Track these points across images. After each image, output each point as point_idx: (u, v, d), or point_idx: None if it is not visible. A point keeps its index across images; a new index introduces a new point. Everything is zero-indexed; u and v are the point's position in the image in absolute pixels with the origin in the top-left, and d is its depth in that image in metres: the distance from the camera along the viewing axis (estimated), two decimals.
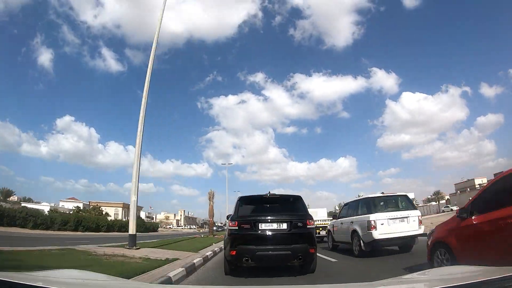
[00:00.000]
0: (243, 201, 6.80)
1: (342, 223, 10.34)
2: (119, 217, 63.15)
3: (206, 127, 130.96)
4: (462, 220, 4.65)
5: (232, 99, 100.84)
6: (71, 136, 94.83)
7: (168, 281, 4.99)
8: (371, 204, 9.04)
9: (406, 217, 8.60)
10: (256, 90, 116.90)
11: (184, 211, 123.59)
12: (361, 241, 8.60)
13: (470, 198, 4.93)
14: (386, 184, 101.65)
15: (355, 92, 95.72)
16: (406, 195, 9.72)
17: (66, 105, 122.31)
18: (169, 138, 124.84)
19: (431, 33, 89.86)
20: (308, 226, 6.05)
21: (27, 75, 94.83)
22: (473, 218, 4.42)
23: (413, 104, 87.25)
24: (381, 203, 9.29)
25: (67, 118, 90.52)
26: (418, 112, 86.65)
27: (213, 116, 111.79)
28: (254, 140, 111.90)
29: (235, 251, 5.82)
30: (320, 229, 14.57)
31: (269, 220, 6.04)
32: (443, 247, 5.02)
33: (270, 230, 5.93)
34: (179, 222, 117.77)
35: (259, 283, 5.59)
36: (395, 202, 9.46)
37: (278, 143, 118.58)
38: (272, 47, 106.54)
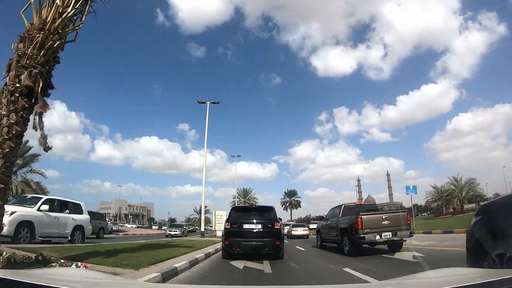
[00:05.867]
0: (234, 209, 10.24)
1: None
2: None
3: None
4: None
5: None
6: None
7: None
8: (293, 225, 28.41)
9: (303, 227, 26.88)
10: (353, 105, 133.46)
11: None
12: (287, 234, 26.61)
13: None
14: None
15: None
16: (304, 224, 29.53)
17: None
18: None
19: None
20: (275, 227, 8.81)
21: None
22: None
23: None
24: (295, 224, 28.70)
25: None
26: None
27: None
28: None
29: (228, 242, 8.63)
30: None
31: (249, 222, 8.83)
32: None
33: (250, 228, 8.73)
34: None
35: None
36: (302, 225, 28.61)
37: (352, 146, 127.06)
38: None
